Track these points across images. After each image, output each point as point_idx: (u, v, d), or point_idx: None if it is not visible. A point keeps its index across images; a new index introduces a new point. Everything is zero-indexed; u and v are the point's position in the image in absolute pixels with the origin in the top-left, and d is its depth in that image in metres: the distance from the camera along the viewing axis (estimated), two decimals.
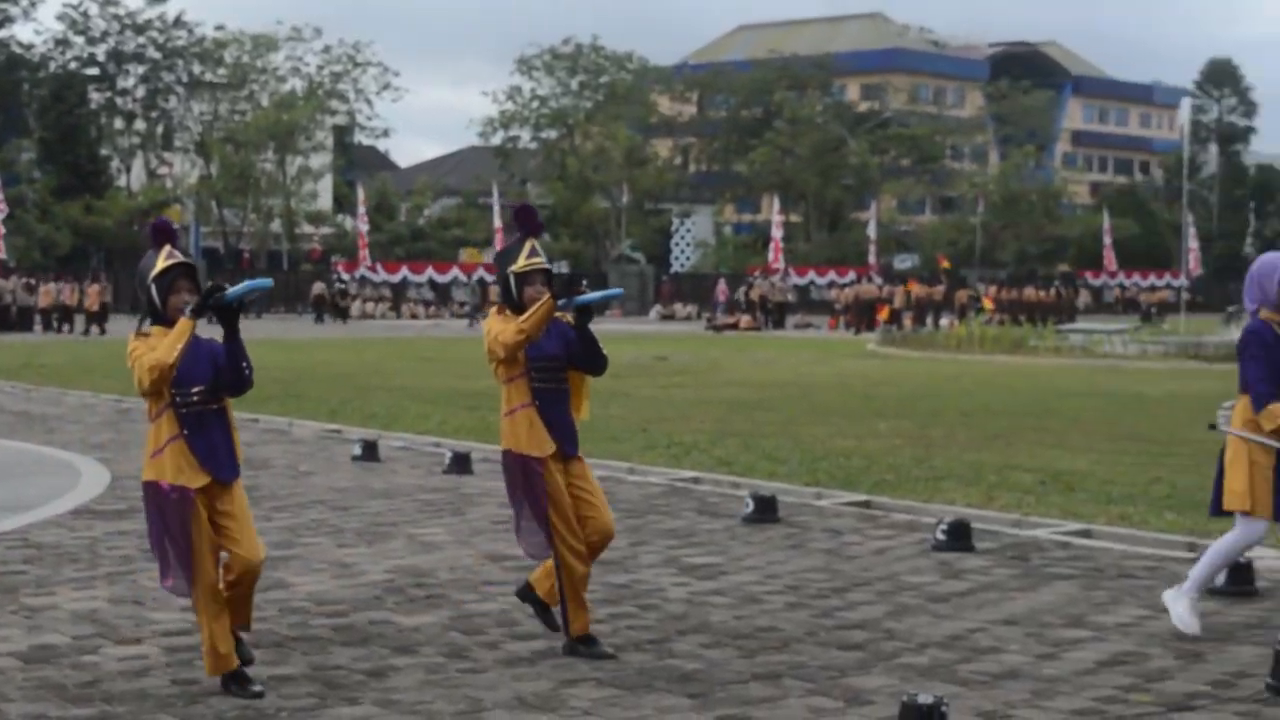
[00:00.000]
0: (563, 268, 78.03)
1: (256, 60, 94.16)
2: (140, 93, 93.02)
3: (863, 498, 14.56)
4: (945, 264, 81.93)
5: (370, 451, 17.42)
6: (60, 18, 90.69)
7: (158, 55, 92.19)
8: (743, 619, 9.67)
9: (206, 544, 7.84)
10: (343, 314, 70.85)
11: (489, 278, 79.11)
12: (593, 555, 8.79)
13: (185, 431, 7.77)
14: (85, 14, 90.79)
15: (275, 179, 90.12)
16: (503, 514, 13.52)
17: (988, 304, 67.34)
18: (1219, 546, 9.25)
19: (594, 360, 8.77)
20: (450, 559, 11.57)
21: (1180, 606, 9.13)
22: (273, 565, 11.21)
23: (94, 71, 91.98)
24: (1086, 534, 12.67)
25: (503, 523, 13.09)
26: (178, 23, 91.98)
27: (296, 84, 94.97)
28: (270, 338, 46.56)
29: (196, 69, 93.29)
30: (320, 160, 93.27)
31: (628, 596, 10.27)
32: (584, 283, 8.83)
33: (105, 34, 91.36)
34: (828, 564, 11.45)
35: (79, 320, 58.05)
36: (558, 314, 8.65)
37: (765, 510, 13.35)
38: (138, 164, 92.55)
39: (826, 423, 21.56)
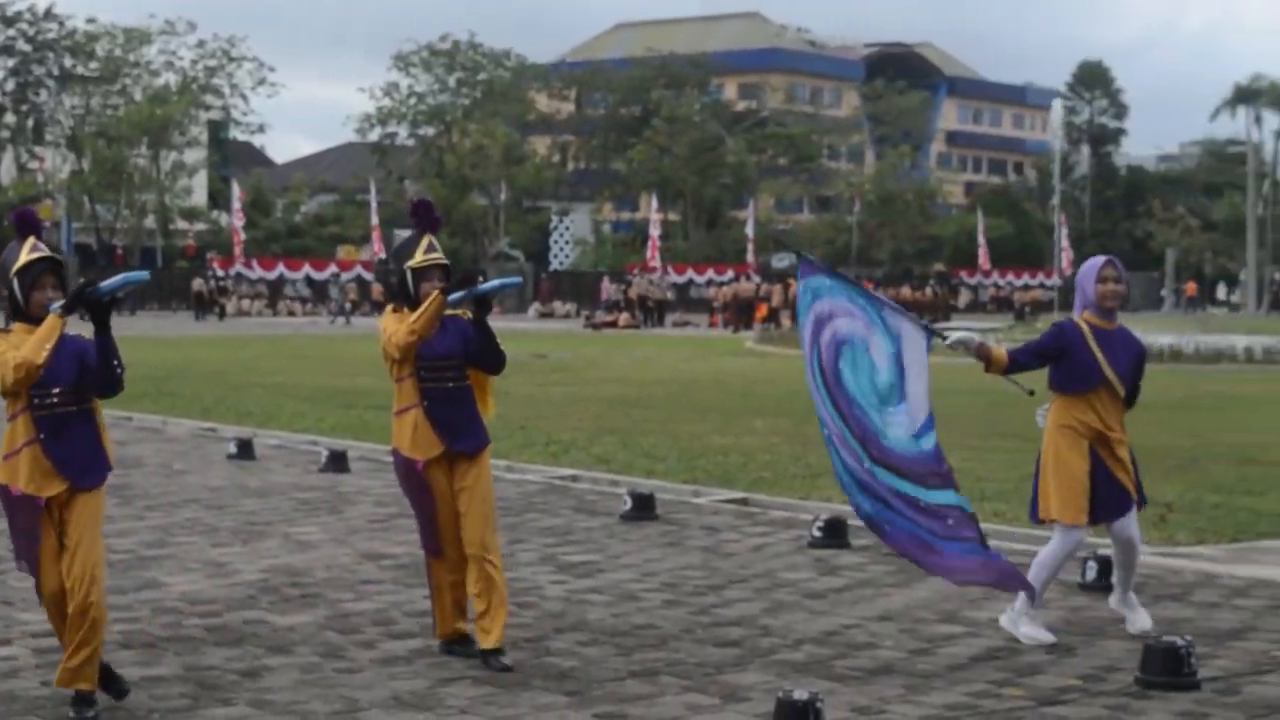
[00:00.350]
0: None
1: (129, 54, 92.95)
2: (10, 86, 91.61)
3: (740, 495, 14.63)
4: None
5: (245, 450, 17.27)
6: None
7: (27, 48, 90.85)
8: (620, 616, 9.68)
9: (51, 555, 7.53)
10: (220, 311, 70.11)
11: (366, 275, 78.85)
12: (472, 568, 8.51)
13: (42, 436, 7.40)
14: None
15: (149, 174, 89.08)
16: (379, 513, 13.49)
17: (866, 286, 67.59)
18: (1042, 559, 9.19)
19: (491, 356, 8.61)
20: (326, 558, 11.50)
21: (1023, 627, 9.05)
22: (145, 565, 11.12)
23: None
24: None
25: (379, 521, 13.06)
26: (48, 15, 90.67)
27: (170, 78, 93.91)
28: (145, 334, 46.01)
29: (68, 62, 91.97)
30: (194, 156, 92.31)
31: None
32: (480, 277, 8.63)
33: None
34: (705, 561, 11.49)
35: None
36: (456, 310, 8.50)
37: (643, 508, 13.38)
38: (7, 158, 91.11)
39: (704, 420, 21.63)
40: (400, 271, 8.58)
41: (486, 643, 8.44)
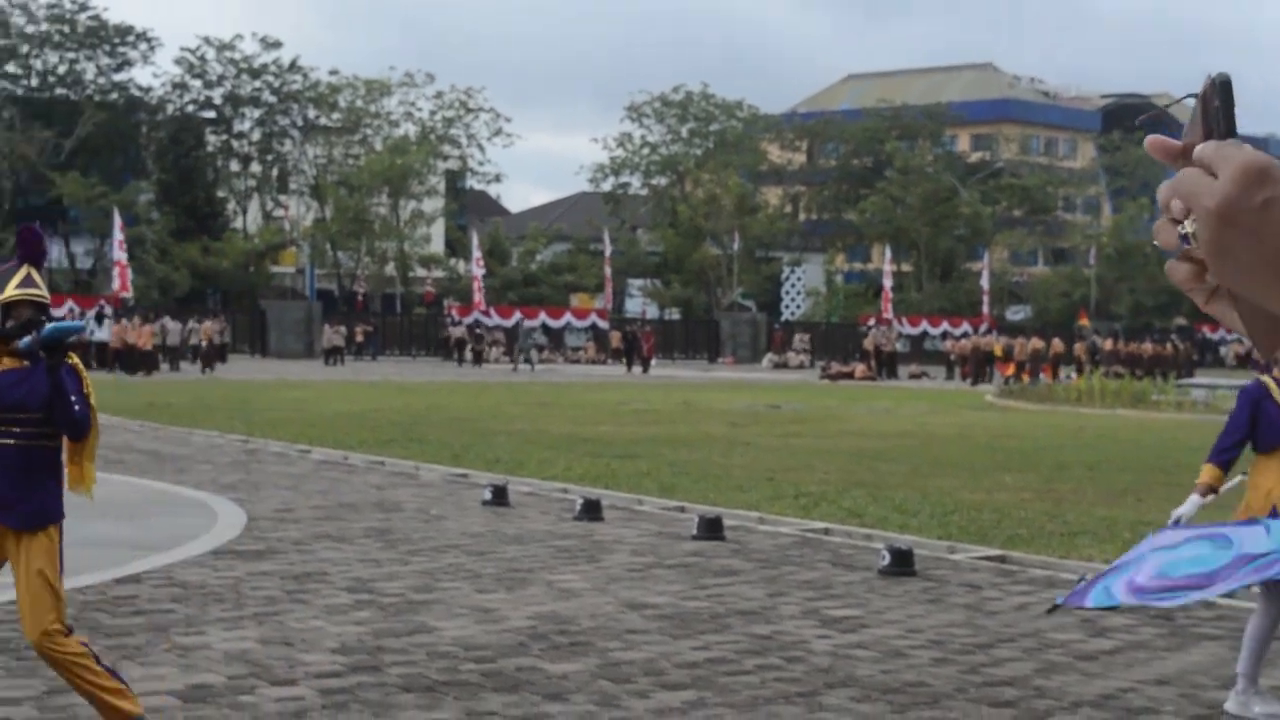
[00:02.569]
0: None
1: (370, 105, 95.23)
2: (256, 136, 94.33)
3: (997, 552, 14.44)
4: (1085, 320, 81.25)
5: (500, 496, 17.46)
6: (178, 62, 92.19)
7: (273, 99, 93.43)
8: (890, 673, 9.60)
9: None
10: (476, 357, 70.98)
11: (601, 324, 79.75)
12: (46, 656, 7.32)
13: None
14: (202, 58, 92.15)
15: (389, 222, 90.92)
16: (636, 562, 13.56)
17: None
18: (1252, 630, 8.89)
19: (58, 414, 7.24)
20: (590, 606, 11.56)
21: (1258, 706, 8.73)
22: (414, 609, 11.29)
23: (211, 115, 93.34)
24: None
25: (637, 571, 13.12)
26: (293, 67, 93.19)
27: (409, 129, 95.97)
28: (387, 379, 46.96)
29: (311, 113, 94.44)
30: (433, 204, 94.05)
31: (773, 648, 10.22)
32: (43, 319, 7.34)
33: (222, 78, 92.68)
34: (969, 619, 11.36)
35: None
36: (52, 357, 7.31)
37: (902, 563, 13.27)
38: (254, 206, 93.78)
39: (952, 475, 21.41)
40: None
41: None
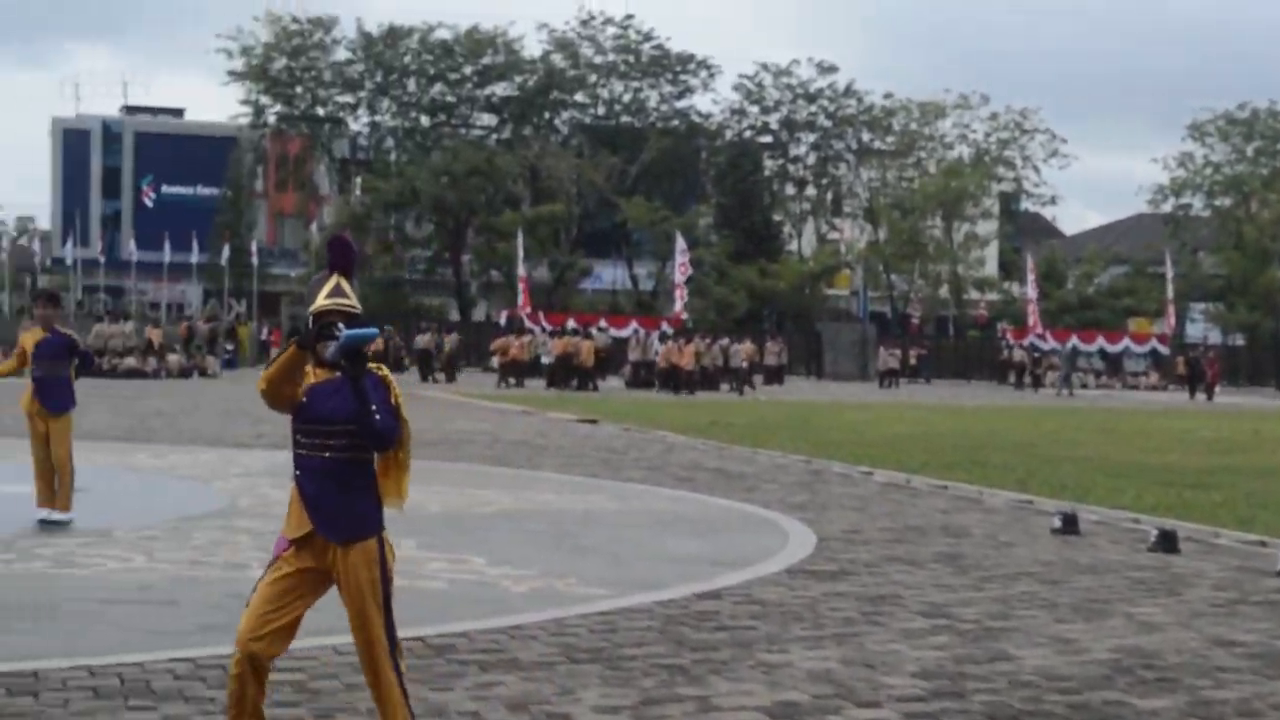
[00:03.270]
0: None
1: (924, 128, 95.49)
2: (811, 160, 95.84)
3: None
4: None
5: (1070, 524, 17.14)
6: (736, 88, 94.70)
7: (828, 123, 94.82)
8: None
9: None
10: (1036, 382, 70.19)
11: (1161, 349, 77.56)
12: (365, 673, 7.32)
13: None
14: (760, 84, 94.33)
15: (942, 245, 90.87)
16: (1219, 597, 13.09)
17: None
18: None
19: (361, 424, 7.10)
20: (1174, 641, 11.20)
21: None
22: (993, 636, 11.18)
23: (768, 139, 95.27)
24: None
25: (1221, 606, 12.67)
26: (848, 91, 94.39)
27: (963, 151, 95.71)
28: (942, 402, 46.80)
29: (865, 136, 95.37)
30: (986, 227, 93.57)
31: None
32: (339, 327, 7.11)
33: (778, 103, 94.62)
34: None
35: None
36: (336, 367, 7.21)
37: None
38: (808, 229, 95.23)
39: None
40: (306, 316, 7.45)
41: None
